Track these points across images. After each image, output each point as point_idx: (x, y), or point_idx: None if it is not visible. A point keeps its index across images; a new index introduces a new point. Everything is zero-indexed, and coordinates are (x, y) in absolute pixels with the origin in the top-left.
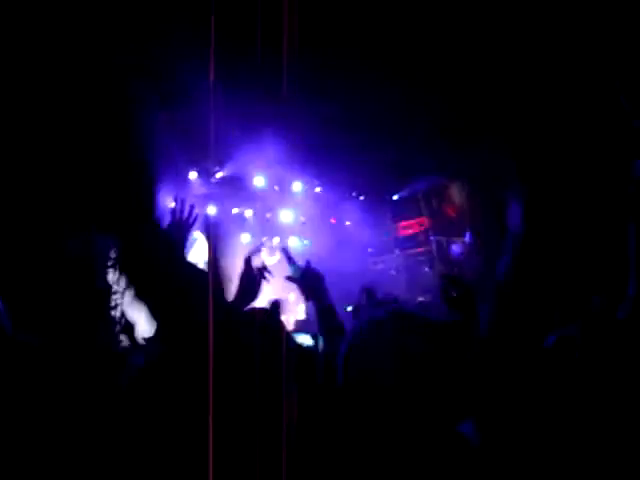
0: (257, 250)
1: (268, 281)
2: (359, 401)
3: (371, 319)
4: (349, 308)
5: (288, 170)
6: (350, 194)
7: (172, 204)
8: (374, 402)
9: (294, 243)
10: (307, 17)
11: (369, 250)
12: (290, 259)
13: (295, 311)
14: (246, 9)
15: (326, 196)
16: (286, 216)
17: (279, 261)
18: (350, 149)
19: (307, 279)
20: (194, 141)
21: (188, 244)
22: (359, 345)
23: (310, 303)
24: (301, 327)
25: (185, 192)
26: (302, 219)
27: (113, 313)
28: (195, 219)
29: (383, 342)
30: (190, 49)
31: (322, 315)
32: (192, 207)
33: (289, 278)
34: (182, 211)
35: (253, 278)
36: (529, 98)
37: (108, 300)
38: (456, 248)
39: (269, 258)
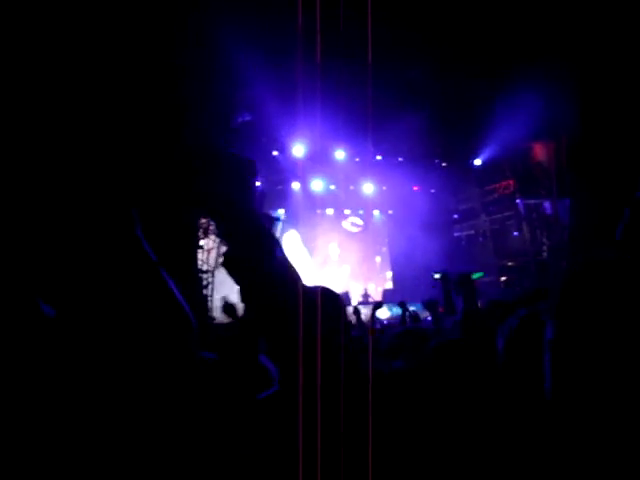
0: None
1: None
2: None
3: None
4: (437, 275)
5: (368, 142)
6: (432, 161)
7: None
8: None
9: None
10: None
11: (454, 217)
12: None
13: (384, 283)
14: None
15: (408, 165)
16: (368, 187)
17: (362, 230)
18: (430, 118)
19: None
20: (276, 120)
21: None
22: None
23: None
24: (388, 297)
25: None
26: (384, 188)
27: (204, 292)
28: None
29: None
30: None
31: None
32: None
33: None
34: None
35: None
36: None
37: (198, 279)
38: (548, 207)
39: (351, 226)
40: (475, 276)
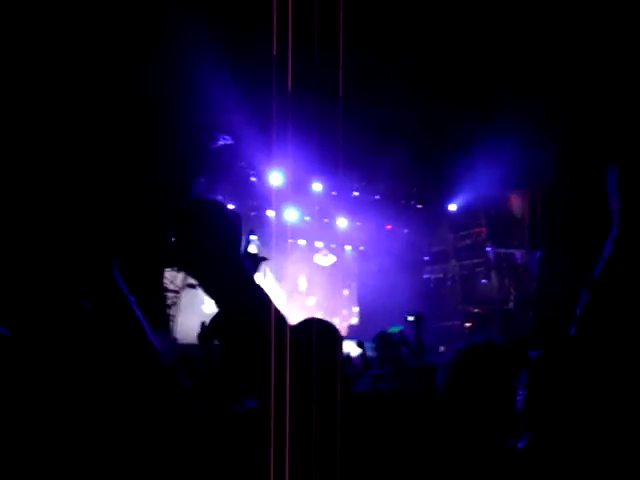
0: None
1: None
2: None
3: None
4: (410, 318)
5: (346, 177)
6: (408, 202)
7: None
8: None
9: None
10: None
11: (425, 258)
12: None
13: (349, 319)
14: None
15: (383, 203)
16: (342, 222)
17: (333, 263)
18: (410, 158)
19: None
20: (253, 146)
21: (244, 244)
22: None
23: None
24: (354, 333)
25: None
26: (358, 224)
27: (168, 311)
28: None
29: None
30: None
31: None
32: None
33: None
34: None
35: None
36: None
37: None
38: (519, 257)
39: (323, 259)
40: (392, 330)
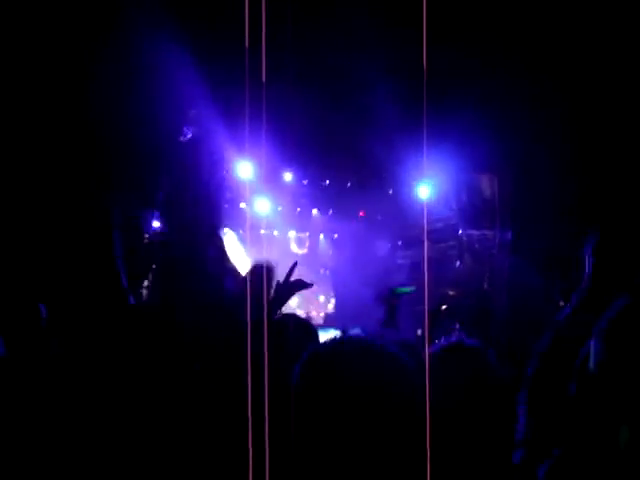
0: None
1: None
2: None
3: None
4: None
5: (316, 166)
6: (380, 189)
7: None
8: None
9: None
10: None
11: (398, 243)
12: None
13: (326, 307)
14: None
15: (356, 191)
16: (314, 211)
17: (308, 252)
18: (380, 144)
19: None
20: (223, 139)
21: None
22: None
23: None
24: (330, 321)
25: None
26: (330, 212)
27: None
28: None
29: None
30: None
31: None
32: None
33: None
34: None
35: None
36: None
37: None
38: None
39: (299, 250)
40: (404, 290)
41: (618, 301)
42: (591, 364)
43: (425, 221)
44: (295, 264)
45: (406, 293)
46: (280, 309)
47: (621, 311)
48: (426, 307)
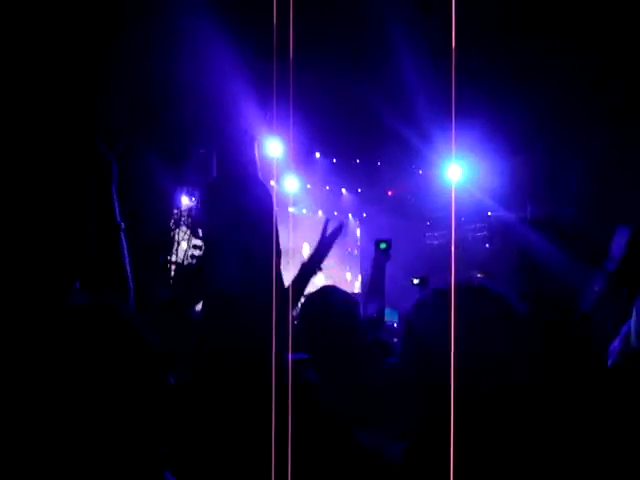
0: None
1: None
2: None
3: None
4: (415, 281)
5: (346, 145)
6: (409, 167)
7: None
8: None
9: None
10: None
11: (427, 223)
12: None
13: (353, 285)
14: None
15: (386, 169)
16: (343, 190)
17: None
18: (412, 124)
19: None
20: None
21: None
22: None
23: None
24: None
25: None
26: (359, 191)
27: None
28: None
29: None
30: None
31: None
32: None
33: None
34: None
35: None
36: None
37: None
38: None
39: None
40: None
41: None
42: (633, 339)
43: (453, 202)
44: (341, 224)
45: (386, 247)
46: (322, 261)
47: None
48: (452, 291)
